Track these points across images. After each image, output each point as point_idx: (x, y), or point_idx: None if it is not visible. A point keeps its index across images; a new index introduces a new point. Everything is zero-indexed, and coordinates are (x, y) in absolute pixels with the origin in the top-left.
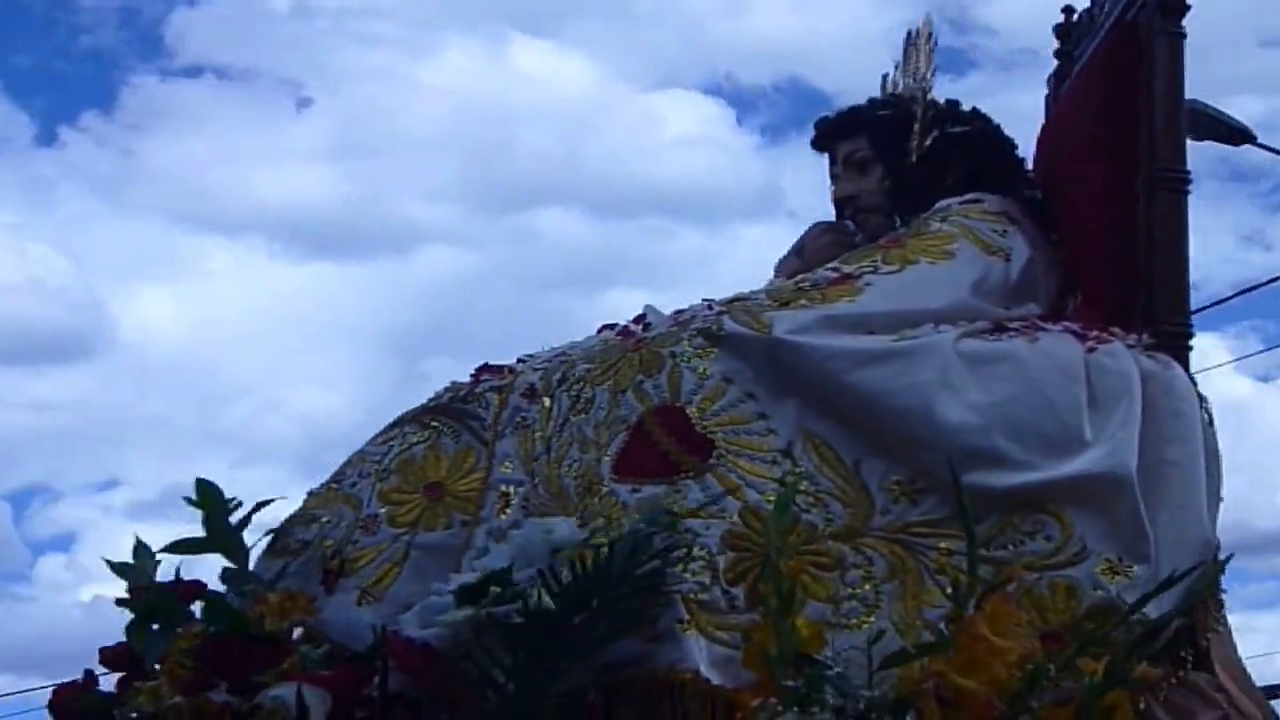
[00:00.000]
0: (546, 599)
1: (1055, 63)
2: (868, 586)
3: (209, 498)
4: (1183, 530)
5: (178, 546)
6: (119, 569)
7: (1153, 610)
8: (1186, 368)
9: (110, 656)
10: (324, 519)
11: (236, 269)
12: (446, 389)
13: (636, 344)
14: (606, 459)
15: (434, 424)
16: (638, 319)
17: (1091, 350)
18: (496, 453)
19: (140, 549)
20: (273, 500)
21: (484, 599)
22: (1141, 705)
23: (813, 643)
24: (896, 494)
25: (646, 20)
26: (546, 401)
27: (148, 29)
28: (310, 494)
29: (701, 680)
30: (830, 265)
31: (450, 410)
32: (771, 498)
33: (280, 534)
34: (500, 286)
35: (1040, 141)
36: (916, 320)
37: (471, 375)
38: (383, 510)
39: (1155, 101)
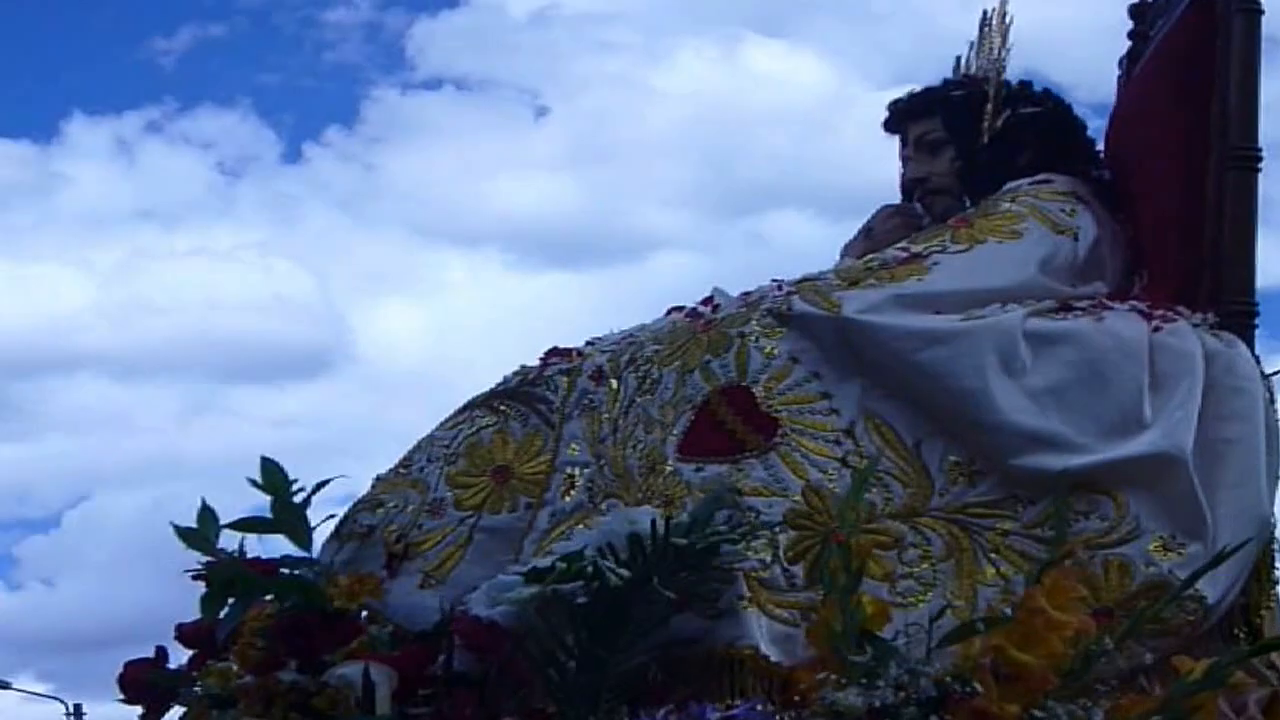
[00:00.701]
0: (611, 576)
1: (1129, 44)
2: (925, 565)
3: (274, 478)
4: (1241, 508)
5: (243, 524)
6: (183, 533)
7: (1208, 589)
8: (1252, 346)
9: (187, 633)
10: (390, 504)
11: (472, 280)
12: (515, 373)
13: (705, 325)
14: (671, 439)
15: (502, 408)
16: (706, 300)
17: (1156, 329)
18: (563, 435)
19: (205, 513)
20: (331, 480)
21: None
22: None
23: (877, 619)
24: (955, 475)
25: (880, 17)
26: (614, 383)
27: (390, 42)
28: (377, 479)
29: (760, 657)
30: (899, 245)
31: (518, 394)
32: (833, 476)
33: (345, 519)
34: (734, 291)
35: (1112, 121)
36: (984, 299)
37: (540, 359)
38: (449, 494)
39: (1229, 79)
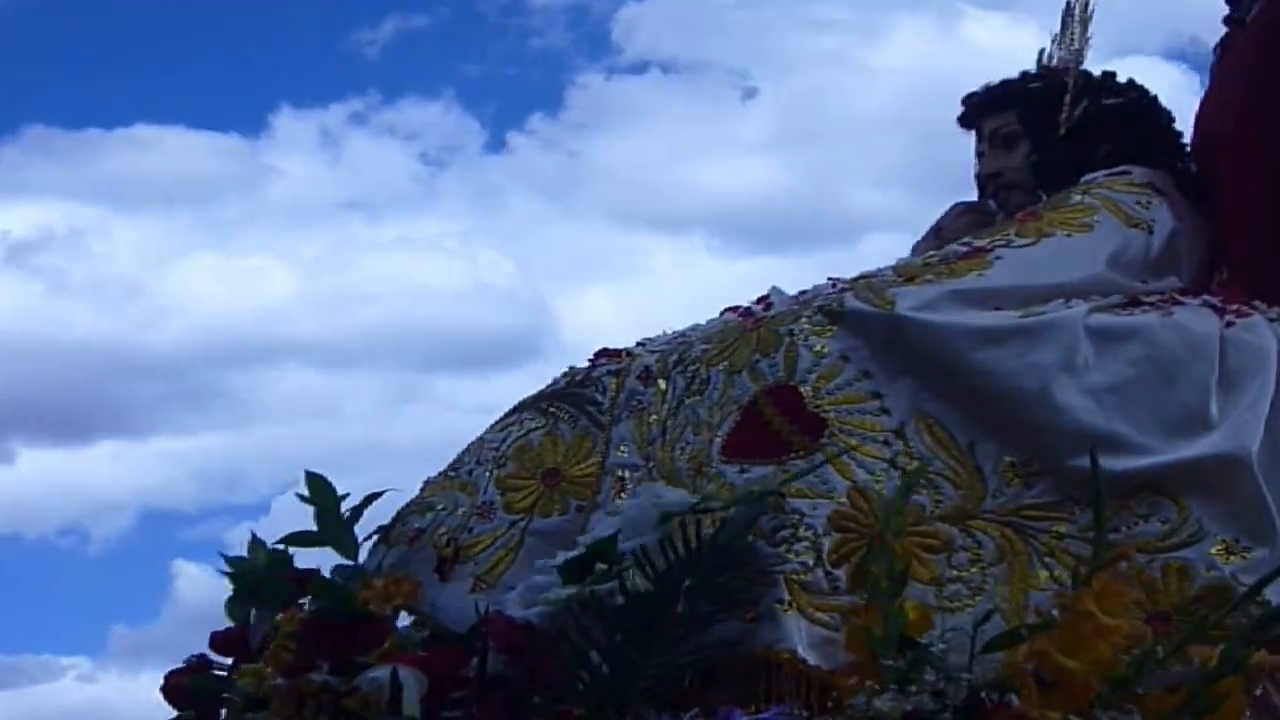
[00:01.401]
0: (642, 581)
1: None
2: (974, 569)
3: (320, 492)
4: None
5: (291, 539)
6: (233, 563)
7: (1272, 594)
8: None
9: (221, 640)
10: (439, 507)
11: (676, 266)
12: (564, 374)
13: (755, 323)
14: (717, 439)
15: (551, 410)
16: (760, 299)
17: (1229, 325)
18: (613, 437)
19: (255, 544)
20: (383, 493)
21: (588, 576)
22: (1259, 691)
23: (919, 625)
24: (1010, 476)
25: None
26: (662, 384)
27: (596, 27)
28: (426, 482)
29: (799, 661)
30: (962, 240)
31: (568, 395)
32: (881, 478)
33: (394, 522)
34: None
35: (1200, 111)
36: (1048, 295)
37: (589, 360)
38: (499, 497)
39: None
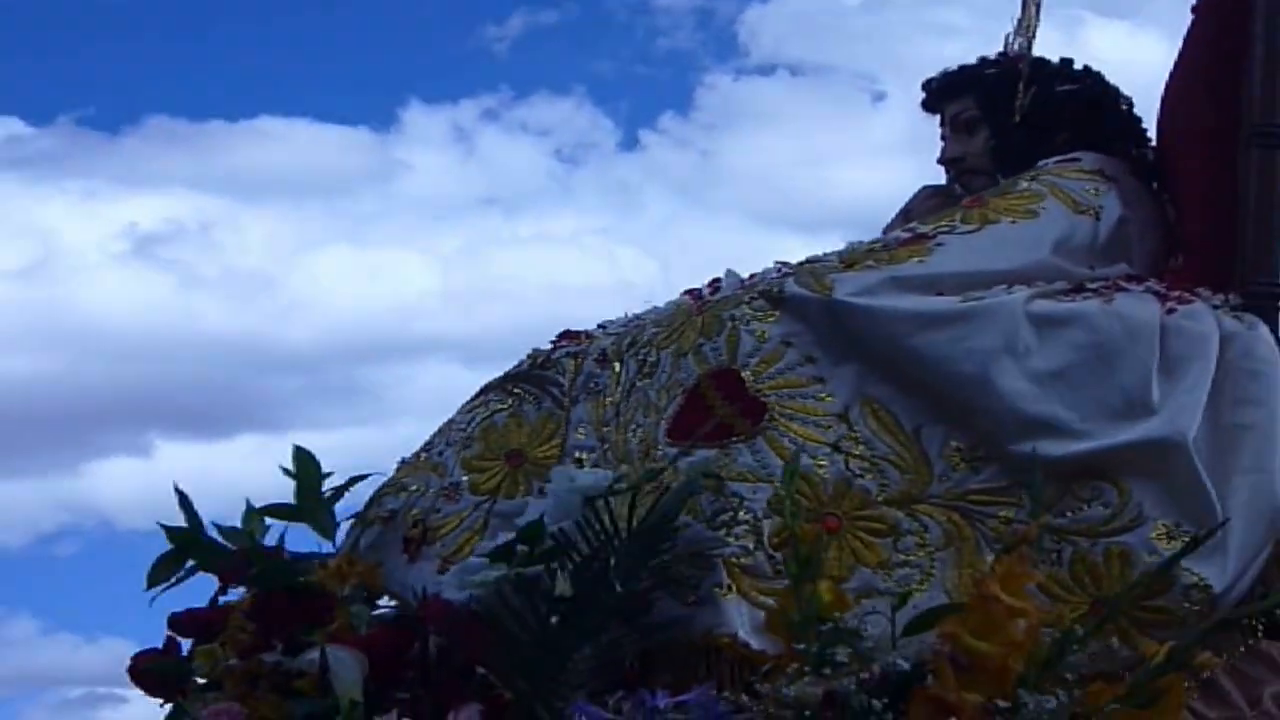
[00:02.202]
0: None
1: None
2: (922, 554)
3: (305, 467)
4: (1253, 495)
5: (268, 511)
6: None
7: (1214, 578)
8: (1275, 328)
9: (182, 620)
10: (412, 488)
11: None
12: (528, 356)
13: (700, 307)
14: (663, 422)
15: (516, 391)
16: (711, 283)
17: (1170, 311)
18: (571, 419)
19: (251, 510)
20: (367, 476)
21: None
22: (1206, 674)
23: (834, 607)
24: (956, 460)
25: None
26: (616, 366)
27: (722, 29)
28: (402, 462)
29: (740, 645)
30: (907, 226)
31: (531, 377)
32: (823, 462)
33: (370, 503)
34: None
35: (1163, 94)
36: (989, 281)
37: (551, 342)
38: (465, 478)
39: (1254, 54)
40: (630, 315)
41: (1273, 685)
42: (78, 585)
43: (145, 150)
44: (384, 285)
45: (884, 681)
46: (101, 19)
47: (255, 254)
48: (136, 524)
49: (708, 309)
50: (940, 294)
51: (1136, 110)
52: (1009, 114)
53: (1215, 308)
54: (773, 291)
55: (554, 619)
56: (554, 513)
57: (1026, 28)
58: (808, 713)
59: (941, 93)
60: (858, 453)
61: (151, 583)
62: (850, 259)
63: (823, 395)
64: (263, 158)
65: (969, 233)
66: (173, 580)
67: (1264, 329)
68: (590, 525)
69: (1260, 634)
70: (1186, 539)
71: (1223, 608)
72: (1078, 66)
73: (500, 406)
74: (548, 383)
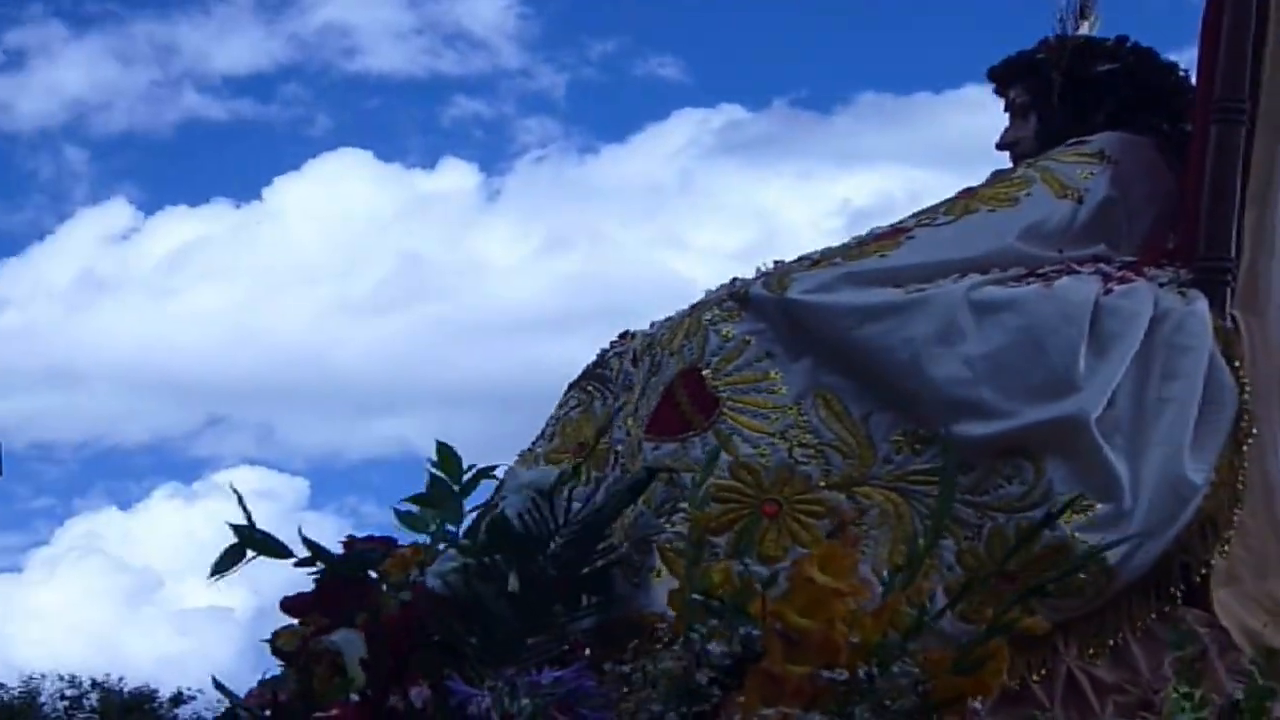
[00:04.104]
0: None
1: None
2: (859, 532)
3: (447, 460)
4: (1164, 468)
5: (412, 499)
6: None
7: (1113, 551)
8: (1223, 302)
9: (292, 604)
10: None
11: None
12: (597, 354)
13: (692, 309)
14: (645, 419)
15: (589, 388)
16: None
17: (1108, 291)
18: (615, 414)
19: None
20: (496, 467)
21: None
22: (1119, 638)
23: (721, 588)
24: (901, 444)
25: None
26: (637, 366)
27: None
28: (520, 455)
29: (668, 623)
30: (898, 220)
31: (594, 375)
32: (765, 451)
33: (495, 494)
34: None
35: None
36: (949, 270)
37: (611, 341)
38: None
39: (1221, 30)
40: (668, 316)
41: (1180, 651)
42: None
43: (856, 127)
44: None
45: (723, 660)
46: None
47: None
48: None
49: (694, 311)
50: (899, 286)
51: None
52: (1051, 98)
53: (1162, 285)
54: (740, 293)
55: (505, 602)
56: (520, 507)
57: (1081, 8)
58: (662, 685)
59: (1001, 79)
60: (805, 440)
61: (216, 571)
62: (823, 257)
63: (775, 388)
64: (970, 127)
65: (945, 224)
66: (235, 568)
67: (1202, 305)
68: (534, 517)
69: (1178, 600)
70: (1089, 511)
71: (1123, 578)
72: (1126, 44)
73: (575, 402)
74: (605, 380)
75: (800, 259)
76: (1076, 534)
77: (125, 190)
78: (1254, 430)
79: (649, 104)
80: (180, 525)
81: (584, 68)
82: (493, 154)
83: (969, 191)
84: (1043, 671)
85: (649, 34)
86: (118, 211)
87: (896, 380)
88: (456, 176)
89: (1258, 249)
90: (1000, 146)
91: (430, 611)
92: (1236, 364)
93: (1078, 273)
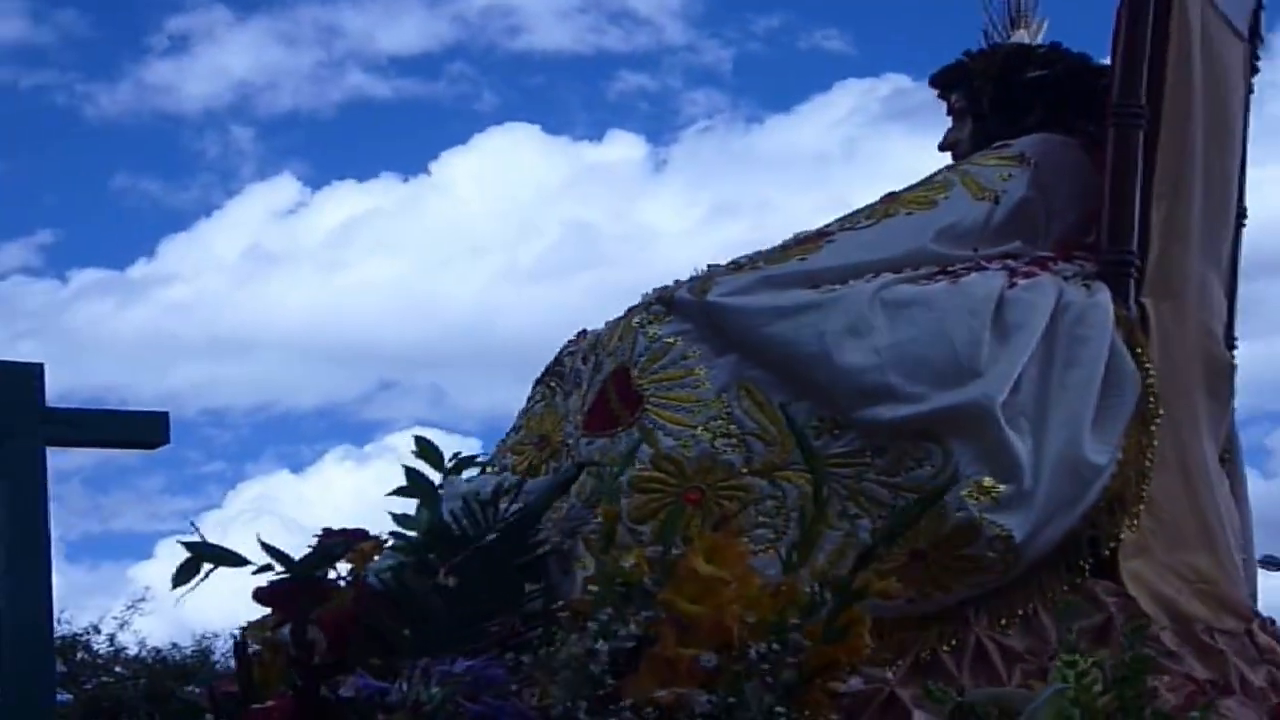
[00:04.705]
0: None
1: None
2: (779, 516)
3: (426, 452)
4: (1065, 450)
5: (397, 492)
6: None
7: (1016, 528)
8: (1126, 294)
9: (263, 595)
10: (489, 468)
11: None
12: (557, 352)
13: (627, 311)
14: (580, 416)
15: (551, 385)
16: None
17: (1012, 285)
18: (568, 410)
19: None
20: (475, 457)
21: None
22: (1029, 608)
23: (634, 574)
24: (819, 430)
25: None
26: (586, 364)
27: None
28: (498, 444)
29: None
30: (828, 224)
31: (555, 372)
32: (687, 443)
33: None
34: None
35: None
36: (866, 271)
37: (569, 340)
38: (509, 459)
39: (1120, 34)
40: (618, 317)
41: (1086, 620)
42: None
43: None
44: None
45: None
46: None
47: None
48: None
49: (628, 314)
50: (815, 287)
51: None
52: (983, 103)
53: (1067, 278)
54: (666, 297)
55: (438, 596)
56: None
57: (1015, 16)
58: (567, 671)
59: (941, 84)
60: (728, 430)
61: (175, 584)
62: (749, 262)
63: (699, 384)
64: None
65: (865, 227)
66: (195, 583)
67: (1105, 296)
68: (469, 521)
69: (1087, 573)
70: (993, 492)
71: (1028, 555)
72: (1058, 51)
73: (539, 396)
74: (562, 377)
75: (730, 263)
76: (985, 515)
77: (292, 167)
78: (1160, 411)
79: (814, 75)
80: (352, 486)
81: (749, 42)
82: (659, 126)
83: (891, 196)
84: (953, 642)
85: (813, 8)
86: (285, 187)
87: (808, 372)
88: (623, 147)
89: (1170, 241)
90: (942, 148)
91: (368, 607)
92: (1139, 350)
93: (986, 269)
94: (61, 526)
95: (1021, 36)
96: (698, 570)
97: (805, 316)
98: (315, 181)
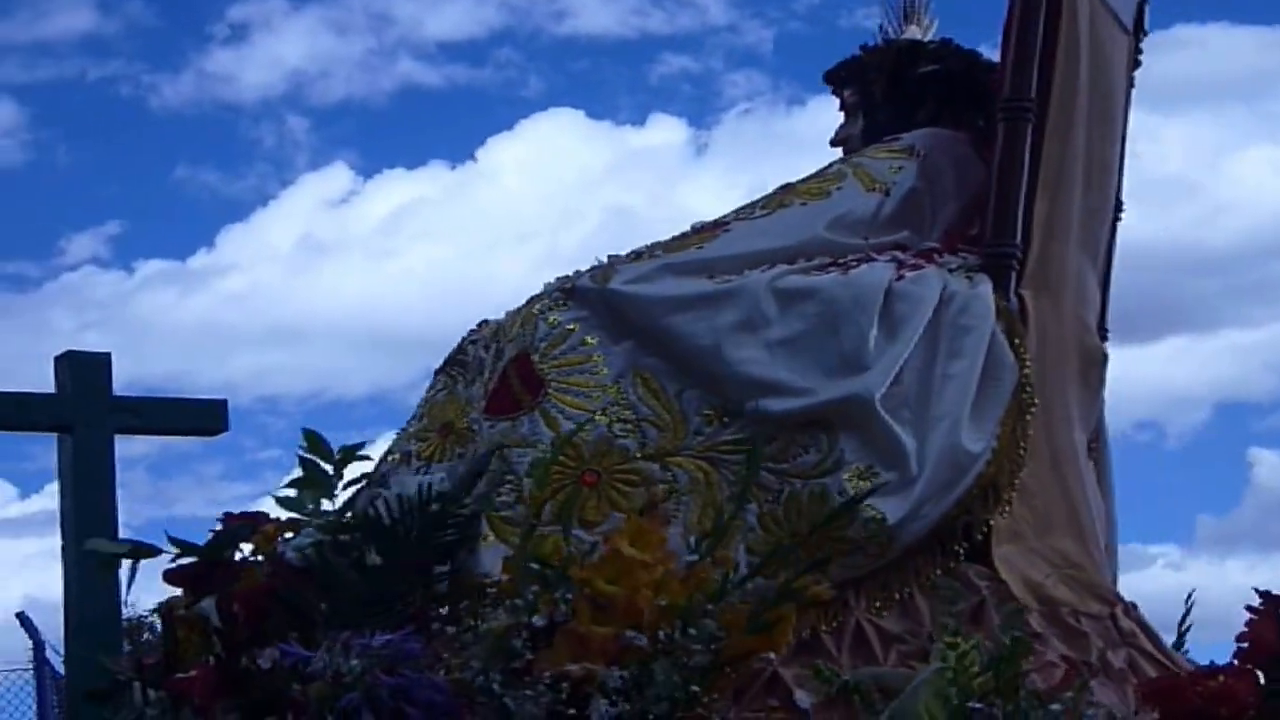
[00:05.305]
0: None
1: None
2: (670, 499)
3: (315, 444)
4: (945, 438)
5: (288, 483)
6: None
7: (889, 510)
8: (1007, 286)
9: (174, 576)
10: (389, 456)
11: None
12: (460, 339)
13: (529, 300)
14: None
15: (452, 373)
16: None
17: (900, 277)
18: (471, 397)
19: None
20: (362, 445)
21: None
22: (905, 592)
23: (552, 555)
24: (711, 418)
25: None
26: (486, 352)
27: None
28: (399, 432)
29: (493, 584)
30: (726, 213)
31: (456, 361)
32: (587, 427)
33: (376, 469)
34: None
35: None
36: (762, 260)
37: (471, 329)
38: (413, 447)
39: (1011, 29)
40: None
41: (960, 603)
42: None
43: None
44: None
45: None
46: None
47: (1174, 161)
48: None
49: (530, 302)
50: (712, 276)
51: None
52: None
53: (952, 270)
54: (567, 285)
55: (357, 574)
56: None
57: (909, 12)
58: (484, 644)
59: (835, 80)
60: (624, 416)
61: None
62: (648, 251)
63: (597, 370)
64: (1180, 65)
65: (761, 217)
66: (130, 577)
67: (986, 288)
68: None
69: (961, 557)
70: (875, 478)
71: (902, 538)
72: (948, 47)
73: (440, 385)
74: (464, 365)
75: (631, 253)
76: (865, 501)
77: (344, 156)
78: (1035, 401)
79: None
80: None
81: (791, 21)
82: (701, 109)
83: (787, 187)
84: (834, 623)
85: None
86: (337, 176)
87: (701, 364)
88: (665, 131)
89: (1050, 236)
90: (834, 143)
91: (286, 582)
92: (1017, 341)
93: (875, 260)
94: (126, 513)
95: (914, 32)
96: (621, 552)
97: (701, 309)
98: (367, 170)
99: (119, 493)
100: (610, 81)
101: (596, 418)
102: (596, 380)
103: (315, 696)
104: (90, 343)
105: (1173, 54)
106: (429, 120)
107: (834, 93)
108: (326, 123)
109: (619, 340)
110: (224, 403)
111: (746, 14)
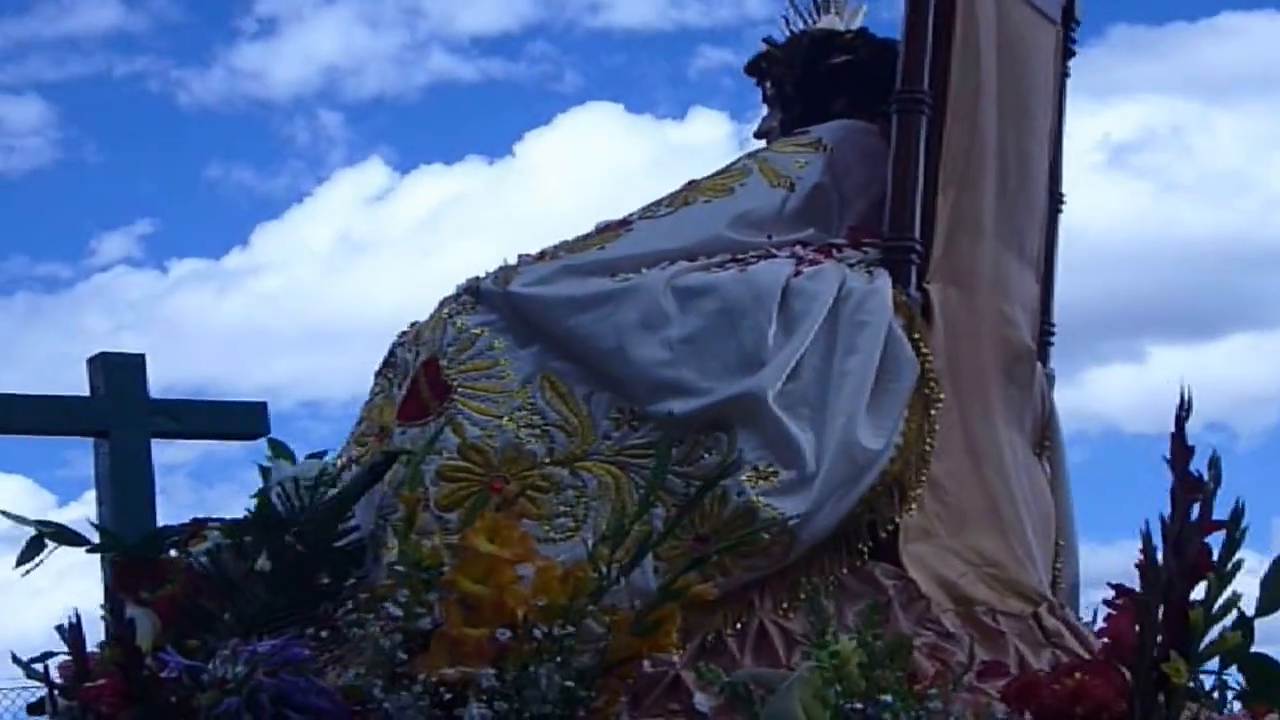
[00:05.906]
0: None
1: None
2: (579, 505)
3: (280, 453)
4: (842, 435)
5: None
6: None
7: (790, 509)
8: (906, 279)
9: (123, 568)
10: (334, 462)
11: None
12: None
13: (440, 303)
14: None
15: (388, 376)
16: None
17: (797, 274)
18: (397, 400)
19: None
20: (325, 452)
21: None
22: (809, 591)
23: (431, 558)
24: (620, 421)
25: None
26: (412, 355)
27: None
28: (350, 436)
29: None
30: (631, 212)
31: (390, 363)
32: (492, 432)
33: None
34: None
35: None
36: (663, 259)
37: (401, 332)
38: (354, 451)
39: (905, 22)
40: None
41: (859, 603)
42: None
43: (1111, 60)
44: None
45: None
46: None
47: (1229, 155)
48: (1139, 429)
49: (441, 306)
50: (615, 275)
51: None
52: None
53: (851, 266)
54: (473, 287)
55: (256, 579)
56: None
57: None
58: (366, 652)
59: (753, 73)
60: (531, 421)
61: (20, 562)
62: (551, 251)
63: (504, 374)
64: (1228, 55)
65: (664, 216)
66: (39, 560)
67: (884, 283)
68: (287, 505)
69: (867, 556)
70: (773, 477)
71: (804, 538)
72: (862, 37)
73: (378, 388)
74: (396, 368)
75: (537, 253)
76: (761, 499)
77: (380, 151)
78: (941, 396)
79: None
80: None
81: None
82: (742, 102)
83: (692, 184)
84: (738, 625)
85: None
86: (374, 172)
87: (605, 366)
88: (706, 125)
89: (959, 229)
90: (757, 135)
91: (192, 588)
92: (917, 336)
93: (775, 257)
94: (166, 520)
95: (832, 21)
96: (479, 549)
97: (602, 309)
98: (403, 166)
99: (158, 499)
100: (649, 75)
101: (503, 423)
102: (504, 385)
103: (205, 704)
104: (125, 345)
105: (1220, 44)
106: (465, 115)
107: (756, 85)
108: (361, 118)
109: (527, 344)
110: (264, 405)
111: (785, 6)
